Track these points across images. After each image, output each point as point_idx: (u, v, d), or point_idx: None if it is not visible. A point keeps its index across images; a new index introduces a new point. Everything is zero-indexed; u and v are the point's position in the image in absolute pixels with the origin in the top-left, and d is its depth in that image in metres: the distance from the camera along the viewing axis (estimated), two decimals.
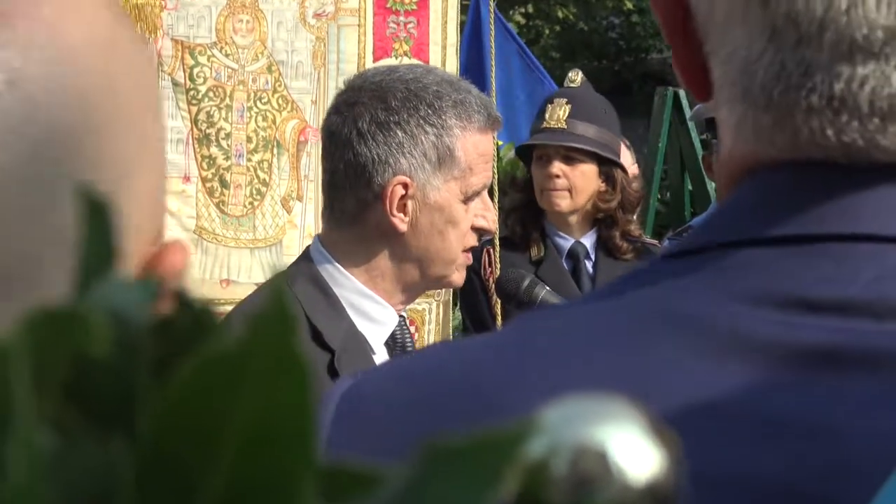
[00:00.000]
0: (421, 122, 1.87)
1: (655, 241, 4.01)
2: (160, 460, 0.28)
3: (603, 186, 3.47)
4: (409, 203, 1.88)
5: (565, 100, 3.49)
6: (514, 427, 0.27)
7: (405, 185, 1.87)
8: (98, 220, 0.28)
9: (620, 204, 3.50)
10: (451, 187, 1.90)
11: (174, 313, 0.29)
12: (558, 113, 3.46)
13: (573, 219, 3.49)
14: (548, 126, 3.47)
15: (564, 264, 3.48)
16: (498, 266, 3.38)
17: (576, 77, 3.59)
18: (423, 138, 1.87)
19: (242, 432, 0.28)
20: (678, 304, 0.61)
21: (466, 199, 1.92)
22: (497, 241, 3.39)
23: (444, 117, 1.88)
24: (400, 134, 1.87)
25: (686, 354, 0.58)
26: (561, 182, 3.41)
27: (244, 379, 0.28)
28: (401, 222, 1.88)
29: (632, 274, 0.66)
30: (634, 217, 3.59)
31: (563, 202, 3.43)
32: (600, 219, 3.50)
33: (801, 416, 0.55)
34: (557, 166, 3.41)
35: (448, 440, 0.28)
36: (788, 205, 0.61)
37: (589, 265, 3.50)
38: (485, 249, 3.49)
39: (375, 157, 1.87)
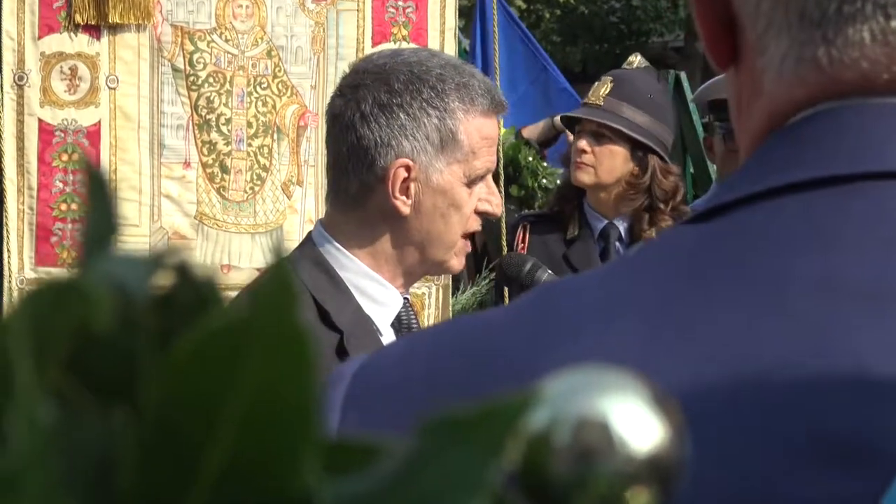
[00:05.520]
0: (424, 104, 1.86)
1: None
2: (162, 432, 0.28)
3: (635, 170, 3.44)
4: (412, 186, 1.88)
5: (610, 78, 3.54)
6: (515, 398, 0.27)
7: (408, 168, 1.87)
8: (100, 195, 0.28)
9: (650, 191, 3.46)
10: (455, 170, 1.89)
11: (176, 287, 0.29)
12: (600, 90, 3.49)
13: (602, 196, 3.48)
14: (587, 102, 3.51)
15: (596, 245, 3.49)
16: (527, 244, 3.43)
17: (634, 59, 3.63)
18: (425, 121, 1.87)
19: (244, 405, 0.28)
20: (716, 258, 0.59)
21: (470, 183, 1.91)
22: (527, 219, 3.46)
23: (447, 100, 1.87)
24: (402, 116, 1.86)
25: (728, 304, 0.56)
26: (587, 157, 3.43)
27: (246, 352, 0.28)
28: (403, 205, 1.88)
29: (661, 238, 0.64)
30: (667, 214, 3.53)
31: (585, 177, 3.45)
32: (639, 208, 3.46)
33: (860, 356, 0.53)
34: (584, 141, 3.43)
35: (449, 412, 0.28)
36: (820, 147, 0.60)
37: (620, 247, 3.49)
38: (521, 224, 3.52)
39: (378, 139, 1.87)
